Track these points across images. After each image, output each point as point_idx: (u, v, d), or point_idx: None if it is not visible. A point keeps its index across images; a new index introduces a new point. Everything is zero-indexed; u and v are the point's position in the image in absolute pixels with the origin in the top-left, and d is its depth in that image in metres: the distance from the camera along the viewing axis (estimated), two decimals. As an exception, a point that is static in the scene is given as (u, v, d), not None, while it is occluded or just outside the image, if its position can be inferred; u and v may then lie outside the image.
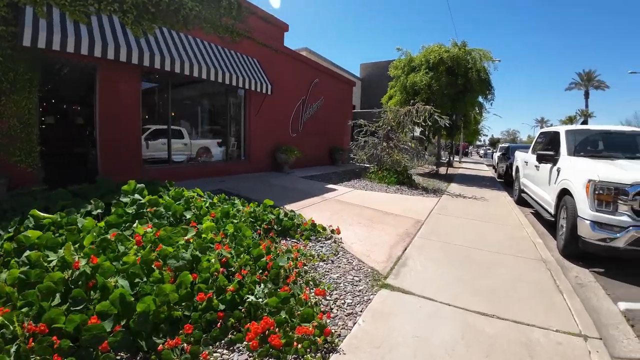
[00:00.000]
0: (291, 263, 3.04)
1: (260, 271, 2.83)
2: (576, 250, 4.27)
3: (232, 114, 9.61)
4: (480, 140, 50.72)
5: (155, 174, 7.24)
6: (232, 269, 2.82)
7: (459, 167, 18.95)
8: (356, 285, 3.05)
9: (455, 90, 11.84)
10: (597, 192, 3.95)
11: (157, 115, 8.20)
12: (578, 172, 4.46)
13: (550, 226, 5.58)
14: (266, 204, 4.38)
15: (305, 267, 3.31)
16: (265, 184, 7.81)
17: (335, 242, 4.12)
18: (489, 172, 17.63)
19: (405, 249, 4.03)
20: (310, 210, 5.58)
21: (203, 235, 3.19)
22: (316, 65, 13.57)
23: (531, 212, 7.19)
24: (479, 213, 6.50)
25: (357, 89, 27.48)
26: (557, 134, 6.01)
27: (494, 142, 57.53)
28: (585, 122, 39.46)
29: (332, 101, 14.22)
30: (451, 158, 26.32)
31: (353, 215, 5.47)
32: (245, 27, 9.26)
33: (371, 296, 2.86)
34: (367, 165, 10.92)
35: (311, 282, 2.95)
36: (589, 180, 4.05)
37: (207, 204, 4.07)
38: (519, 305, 2.83)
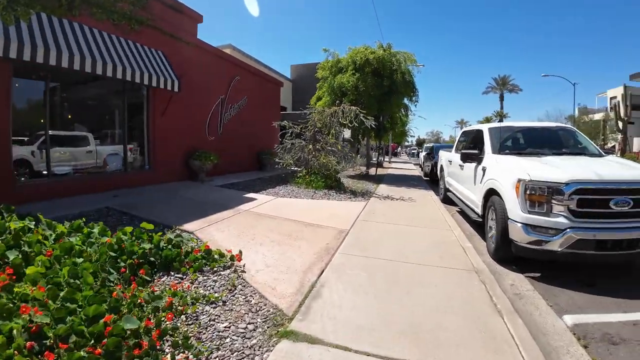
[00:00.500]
0: (149, 321, 2.12)
1: (93, 341, 1.88)
2: (509, 255, 3.98)
3: (133, 115, 8.16)
4: (408, 141, 53.59)
5: (31, 192, 5.80)
6: (49, 341, 1.84)
7: (389, 168, 19.30)
8: (248, 338, 2.24)
9: (381, 91, 11.75)
10: (528, 193, 3.65)
11: (49, 119, 6.55)
12: (506, 172, 4.18)
13: (478, 226, 5.37)
14: (144, 228, 3.34)
15: (183, 316, 2.42)
16: (170, 197, 6.63)
17: (235, 271, 3.27)
18: (416, 172, 18.17)
19: (322, 272, 3.32)
20: (215, 228, 4.64)
21: (16, 289, 2.12)
22: (237, 61, 12.51)
23: (457, 211, 7.09)
24: (406, 216, 6.14)
25: (288, 91, 26.85)
26: (480, 132, 5.86)
27: (420, 143, 61.23)
28: (500, 122, 43.56)
29: (258, 101, 13.26)
30: (382, 159, 27.07)
31: (268, 230, 4.67)
32: (148, 15, 7.93)
33: (265, 354, 2.08)
34: (298, 170, 10.24)
35: (181, 344, 2.07)
36: (519, 180, 3.75)
37: (53, 237, 2.93)
38: (454, 343, 2.27)
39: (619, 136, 26.03)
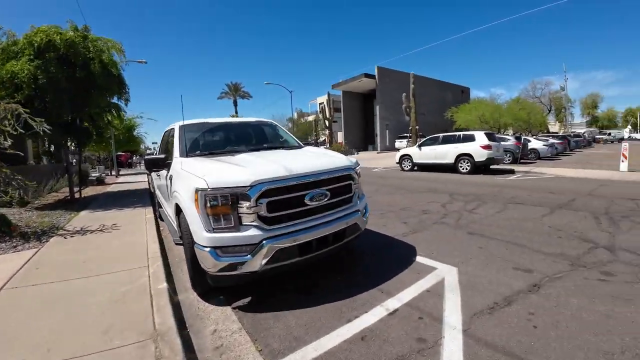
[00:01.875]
0: None
1: None
2: (209, 287, 3.15)
3: None
4: (150, 149, 48.36)
5: None
6: None
7: (113, 184, 15.80)
8: None
9: (75, 86, 8.92)
10: (209, 205, 2.81)
11: None
12: (186, 180, 3.23)
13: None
14: None
15: None
16: None
17: None
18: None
19: None
20: None
21: None
22: None
23: (175, 231, 5.95)
24: (90, 259, 4.28)
25: None
26: (172, 131, 4.79)
27: (164, 150, 56.98)
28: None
29: None
30: (106, 173, 22.54)
31: None
32: None
33: None
34: None
35: None
36: (197, 190, 2.86)
37: None
38: None
39: (327, 132, 35.52)
